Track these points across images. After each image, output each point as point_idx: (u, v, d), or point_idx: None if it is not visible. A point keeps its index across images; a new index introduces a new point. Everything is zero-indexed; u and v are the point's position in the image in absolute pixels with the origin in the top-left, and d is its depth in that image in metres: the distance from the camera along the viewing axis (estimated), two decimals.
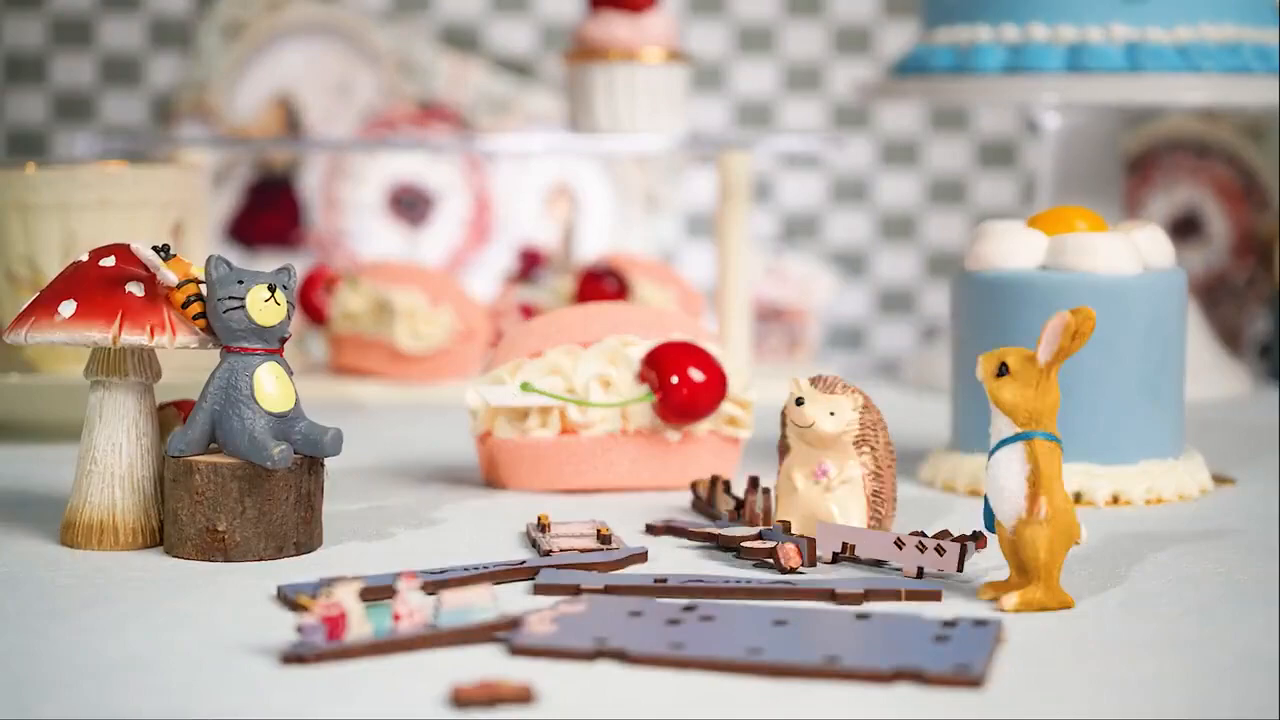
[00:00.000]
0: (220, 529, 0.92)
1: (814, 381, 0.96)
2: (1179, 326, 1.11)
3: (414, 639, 0.76)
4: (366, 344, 1.50)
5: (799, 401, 0.95)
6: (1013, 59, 1.43)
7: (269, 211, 1.86)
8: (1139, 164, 1.83)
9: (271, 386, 0.93)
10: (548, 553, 0.93)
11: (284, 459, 0.91)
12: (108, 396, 0.96)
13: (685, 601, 0.83)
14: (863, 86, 1.57)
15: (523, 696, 0.69)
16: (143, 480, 0.96)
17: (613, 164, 1.88)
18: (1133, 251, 1.10)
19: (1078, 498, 1.08)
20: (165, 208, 1.31)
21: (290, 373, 0.94)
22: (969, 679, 0.72)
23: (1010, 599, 0.83)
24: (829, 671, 0.73)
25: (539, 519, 0.98)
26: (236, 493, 0.92)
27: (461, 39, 1.91)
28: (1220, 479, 1.15)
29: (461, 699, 0.69)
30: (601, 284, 1.52)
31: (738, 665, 0.74)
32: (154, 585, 0.88)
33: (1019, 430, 0.84)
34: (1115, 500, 1.08)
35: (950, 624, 0.79)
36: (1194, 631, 0.80)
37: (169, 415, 1.01)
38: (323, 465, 0.96)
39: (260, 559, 0.93)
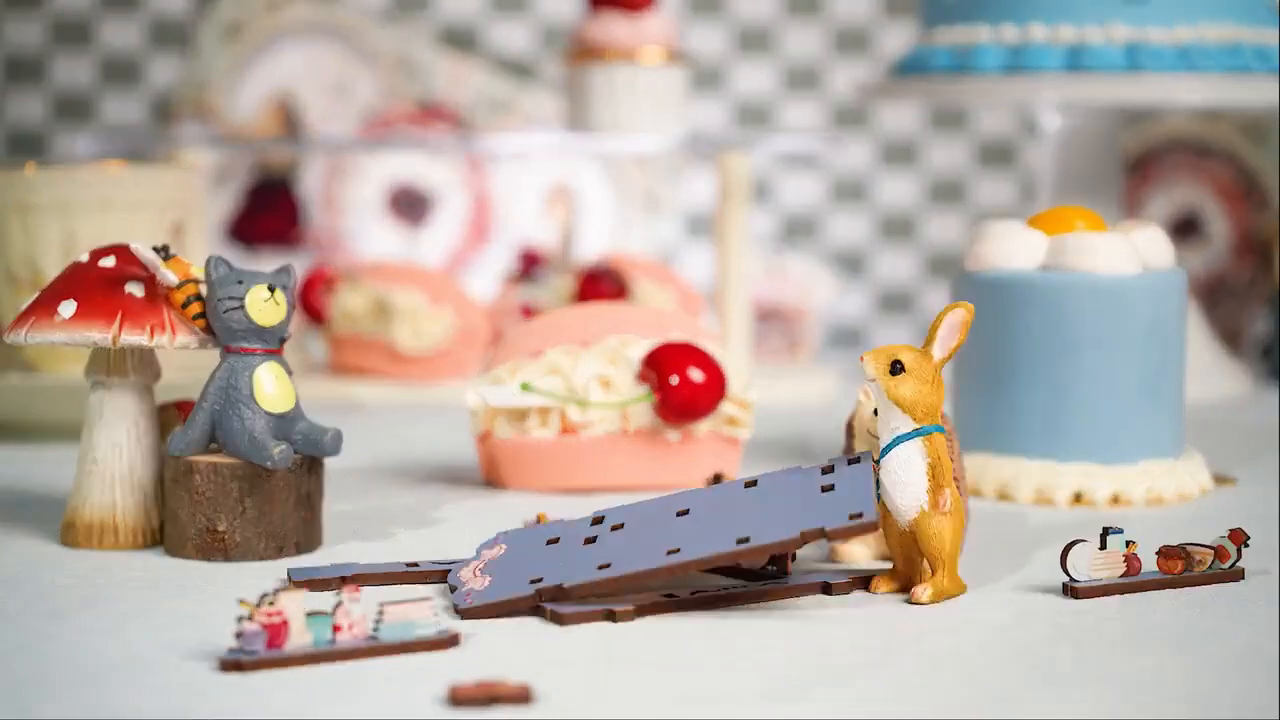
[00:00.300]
0: (220, 529, 0.92)
1: None
2: (1179, 327, 1.12)
3: (353, 650, 0.75)
4: (366, 344, 1.50)
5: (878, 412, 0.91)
6: (1012, 59, 1.43)
7: (269, 212, 1.86)
8: (1139, 164, 1.83)
9: (271, 386, 0.93)
10: None
11: (284, 459, 0.91)
12: (108, 397, 0.96)
13: (593, 513, 0.88)
14: (862, 87, 1.57)
15: (522, 696, 0.69)
16: (143, 480, 0.96)
17: (613, 164, 1.88)
18: (1133, 252, 1.10)
19: (1078, 498, 1.08)
20: (165, 208, 1.31)
21: (290, 373, 0.94)
22: (866, 525, 0.79)
23: (924, 591, 0.84)
24: (747, 553, 0.79)
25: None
26: (236, 493, 0.92)
27: (461, 39, 1.91)
28: (1221, 479, 1.15)
29: (459, 699, 0.69)
30: (601, 284, 1.52)
31: (664, 570, 0.78)
32: (154, 585, 0.88)
33: (918, 426, 0.85)
34: (1116, 500, 1.08)
35: (828, 470, 0.86)
36: (1194, 630, 0.80)
37: (169, 415, 1.01)
38: (323, 465, 0.96)
39: (260, 559, 0.93)
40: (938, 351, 0.85)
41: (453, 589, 0.84)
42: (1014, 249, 1.11)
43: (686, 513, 0.85)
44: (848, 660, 0.76)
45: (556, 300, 1.55)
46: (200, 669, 0.74)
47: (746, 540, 0.79)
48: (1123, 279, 1.09)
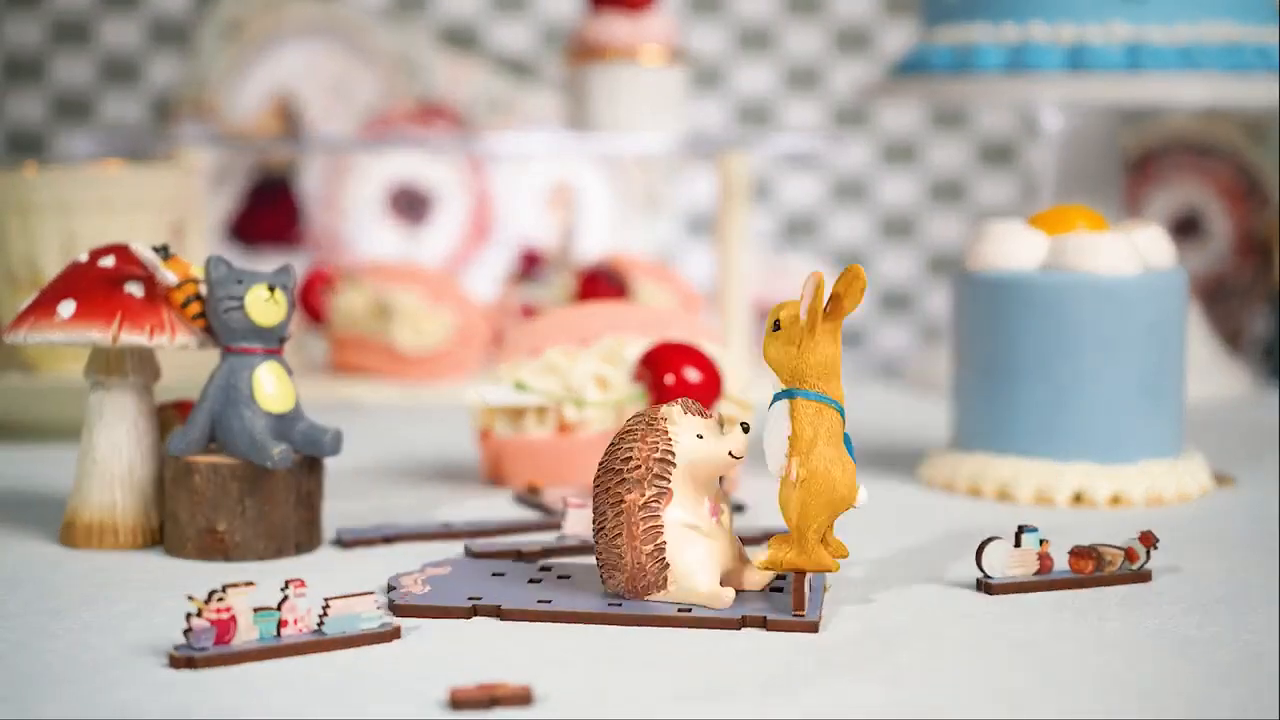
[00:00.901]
0: (220, 529, 0.92)
1: (688, 410, 0.84)
2: (1179, 326, 1.11)
3: (300, 645, 0.76)
4: (366, 344, 1.50)
5: (746, 428, 0.83)
6: (1013, 58, 1.43)
7: (269, 211, 1.86)
8: (1140, 163, 1.83)
9: (271, 386, 0.93)
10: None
11: (284, 459, 0.91)
12: (108, 397, 0.96)
13: (541, 562, 0.90)
14: (863, 86, 1.57)
15: (522, 698, 0.69)
16: (143, 480, 0.96)
17: (613, 164, 1.88)
18: (1133, 251, 1.10)
19: (1078, 498, 1.08)
20: (165, 208, 1.31)
21: (290, 373, 0.94)
22: (807, 625, 0.80)
23: (760, 556, 0.82)
24: (686, 620, 0.80)
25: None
26: (236, 493, 0.92)
27: (461, 39, 1.91)
28: (1221, 479, 1.15)
29: (460, 701, 0.69)
30: (602, 284, 1.52)
31: (602, 617, 0.80)
32: (154, 585, 0.88)
33: (784, 388, 0.82)
34: (1116, 500, 1.08)
35: (780, 577, 0.86)
36: (1195, 631, 0.80)
37: (169, 415, 1.01)
38: (323, 465, 0.96)
39: (260, 559, 0.93)
40: (801, 312, 0.82)
41: (390, 589, 0.85)
42: (1015, 249, 1.11)
43: None
44: (847, 658, 0.76)
45: (557, 300, 1.55)
46: (199, 668, 0.74)
47: (689, 610, 0.81)
48: (1123, 279, 1.09)
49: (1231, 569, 0.92)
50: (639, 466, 0.82)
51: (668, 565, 0.82)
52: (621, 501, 0.82)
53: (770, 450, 0.81)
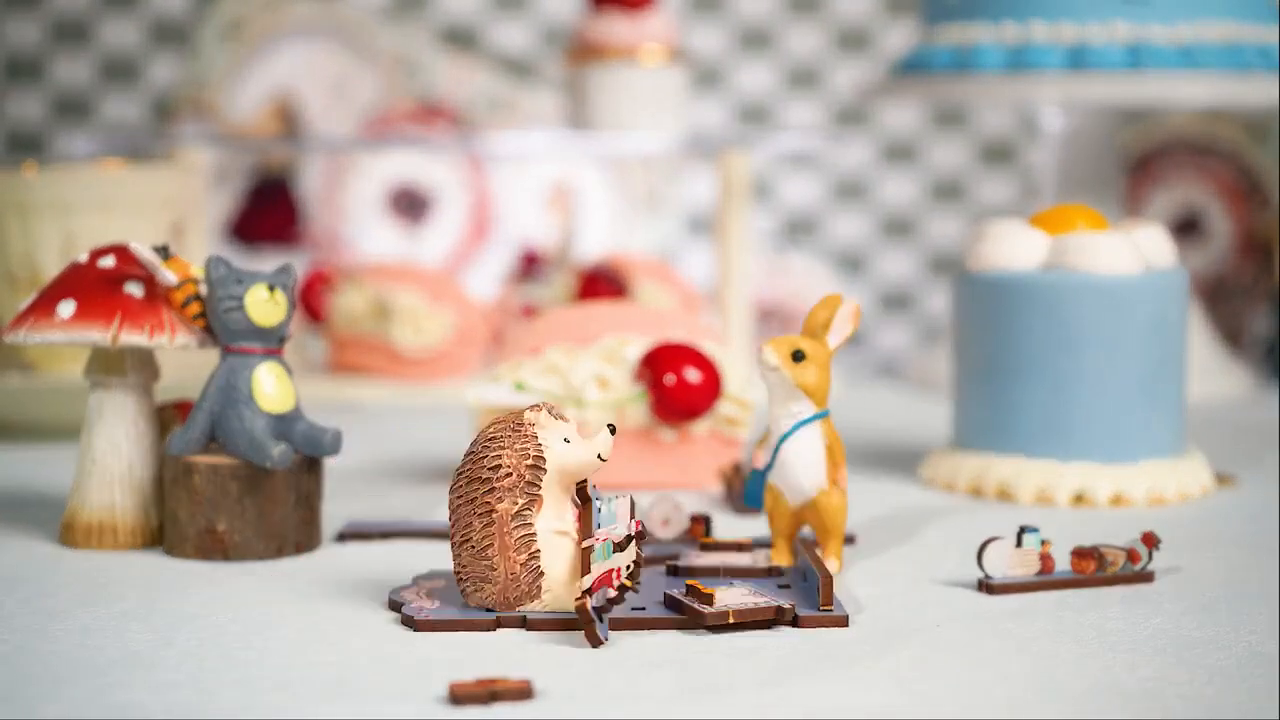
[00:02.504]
0: (220, 529, 0.92)
1: (553, 414, 0.82)
2: (1180, 326, 1.11)
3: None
4: (366, 344, 1.50)
5: (613, 430, 0.82)
6: (1013, 58, 1.43)
7: (269, 211, 1.86)
8: (1140, 163, 1.82)
9: (271, 386, 0.93)
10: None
11: (284, 459, 0.91)
12: (107, 397, 0.96)
13: None
14: (863, 86, 1.57)
15: (523, 693, 0.69)
16: (142, 480, 0.96)
17: (613, 163, 1.88)
18: (1134, 251, 1.10)
19: (1079, 497, 1.08)
20: (165, 208, 1.31)
21: (290, 373, 0.94)
22: (838, 620, 0.80)
23: (833, 563, 0.89)
24: (726, 616, 0.79)
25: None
26: (236, 493, 0.92)
27: (461, 38, 1.91)
28: (1222, 479, 1.15)
29: (459, 696, 0.69)
30: (602, 284, 1.51)
31: (629, 622, 0.79)
32: (154, 585, 0.88)
33: (819, 410, 0.89)
34: (1117, 500, 1.08)
35: (780, 572, 0.89)
36: (1195, 631, 0.80)
37: (169, 415, 1.01)
38: (322, 465, 0.96)
39: (260, 559, 0.93)
40: (833, 340, 0.89)
41: (397, 605, 0.82)
42: (1015, 248, 1.11)
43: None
44: (847, 657, 0.76)
45: (557, 300, 1.55)
46: (200, 668, 0.74)
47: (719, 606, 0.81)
48: (1124, 278, 1.09)
49: (1232, 569, 0.92)
50: (510, 474, 0.80)
51: (542, 574, 0.80)
52: (492, 511, 0.80)
53: (811, 468, 0.89)
